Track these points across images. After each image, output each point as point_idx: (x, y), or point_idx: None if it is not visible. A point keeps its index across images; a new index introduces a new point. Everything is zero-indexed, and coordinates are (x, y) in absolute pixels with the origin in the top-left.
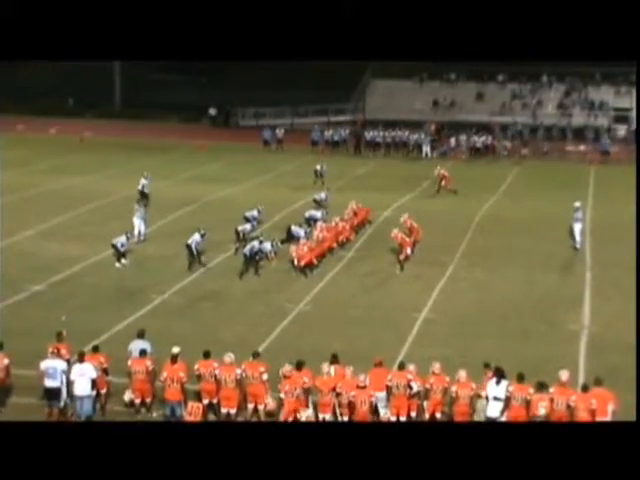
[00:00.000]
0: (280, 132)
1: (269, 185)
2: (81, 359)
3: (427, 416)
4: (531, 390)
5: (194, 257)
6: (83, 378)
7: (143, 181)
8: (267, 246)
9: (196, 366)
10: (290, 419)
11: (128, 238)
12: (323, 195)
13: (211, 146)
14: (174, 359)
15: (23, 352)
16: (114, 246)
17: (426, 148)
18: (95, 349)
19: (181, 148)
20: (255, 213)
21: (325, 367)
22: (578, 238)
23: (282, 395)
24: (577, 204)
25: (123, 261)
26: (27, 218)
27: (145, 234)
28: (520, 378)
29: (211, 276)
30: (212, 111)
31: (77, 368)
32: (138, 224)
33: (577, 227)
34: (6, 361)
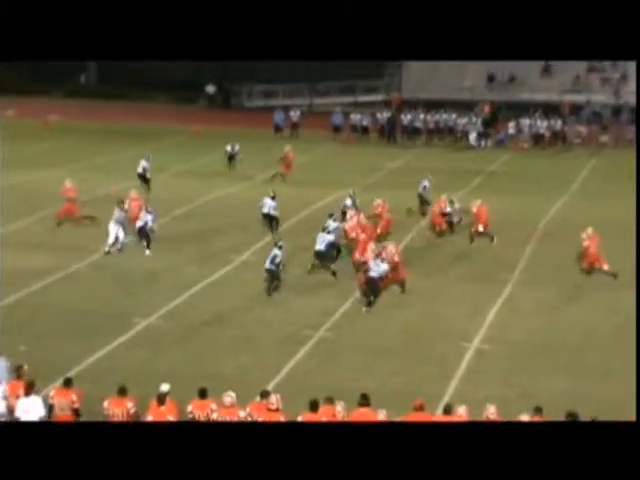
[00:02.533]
0: (295, 115)
1: (283, 180)
2: (27, 392)
3: None
4: None
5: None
6: (29, 415)
7: (143, 163)
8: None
9: (189, 407)
10: None
11: (150, 212)
12: (349, 202)
13: (209, 132)
14: (162, 399)
15: None
16: (141, 231)
17: (474, 134)
18: (67, 383)
19: (172, 135)
20: (348, 202)
21: (339, 408)
22: None
23: None
24: None
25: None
26: None
27: (123, 243)
28: None
29: (210, 295)
30: (210, 89)
31: (22, 403)
32: (115, 230)
33: None
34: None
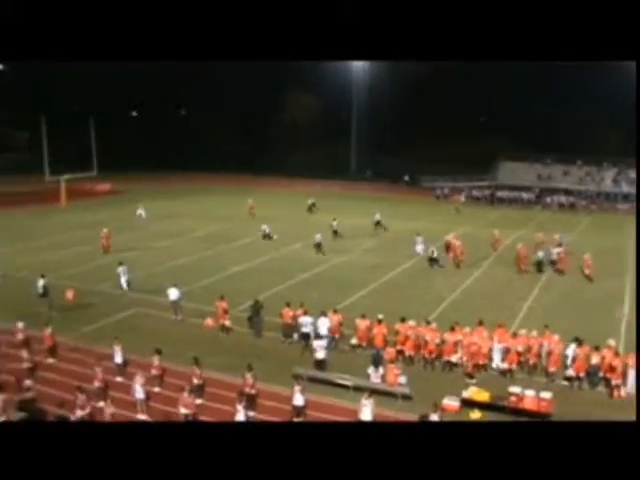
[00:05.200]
0: (446, 190)
1: (438, 221)
2: (324, 315)
3: (531, 362)
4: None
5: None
6: (323, 326)
7: (376, 216)
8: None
9: (396, 326)
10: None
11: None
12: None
13: (405, 199)
14: (380, 322)
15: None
16: (319, 246)
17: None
18: (335, 311)
19: (391, 200)
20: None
21: (433, 324)
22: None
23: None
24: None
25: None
26: (297, 236)
27: (420, 253)
28: (579, 342)
29: (399, 271)
30: (406, 178)
31: (320, 320)
32: (420, 248)
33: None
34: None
